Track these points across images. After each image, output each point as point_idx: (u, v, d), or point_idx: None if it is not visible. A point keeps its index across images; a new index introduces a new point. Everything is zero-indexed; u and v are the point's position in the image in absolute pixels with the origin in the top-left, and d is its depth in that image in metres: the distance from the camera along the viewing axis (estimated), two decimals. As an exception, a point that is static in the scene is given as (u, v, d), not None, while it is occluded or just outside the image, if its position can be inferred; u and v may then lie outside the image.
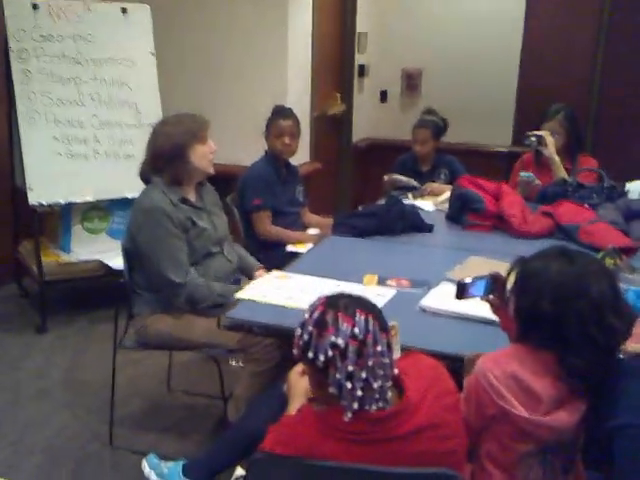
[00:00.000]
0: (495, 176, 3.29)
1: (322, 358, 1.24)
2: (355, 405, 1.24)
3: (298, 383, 1.59)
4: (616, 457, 1.37)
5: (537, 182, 3.34)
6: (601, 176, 3.22)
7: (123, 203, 3.77)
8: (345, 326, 1.23)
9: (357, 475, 1.28)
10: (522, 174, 3.40)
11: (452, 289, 2.21)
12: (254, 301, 2.11)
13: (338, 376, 1.24)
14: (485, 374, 1.44)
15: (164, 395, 3.01)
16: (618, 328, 1.39)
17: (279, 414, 1.84)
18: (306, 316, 1.30)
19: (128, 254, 2.51)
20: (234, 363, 2.84)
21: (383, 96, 5.65)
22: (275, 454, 1.28)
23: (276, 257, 2.92)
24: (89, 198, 3.67)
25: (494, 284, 1.68)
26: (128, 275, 2.50)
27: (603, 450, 1.46)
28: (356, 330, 1.22)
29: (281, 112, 3.29)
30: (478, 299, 1.71)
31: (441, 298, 2.15)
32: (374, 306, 1.35)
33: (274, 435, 1.32)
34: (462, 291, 1.68)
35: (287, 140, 3.21)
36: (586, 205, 3.04)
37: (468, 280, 1.68)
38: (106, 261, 3.65)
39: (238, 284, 2.61)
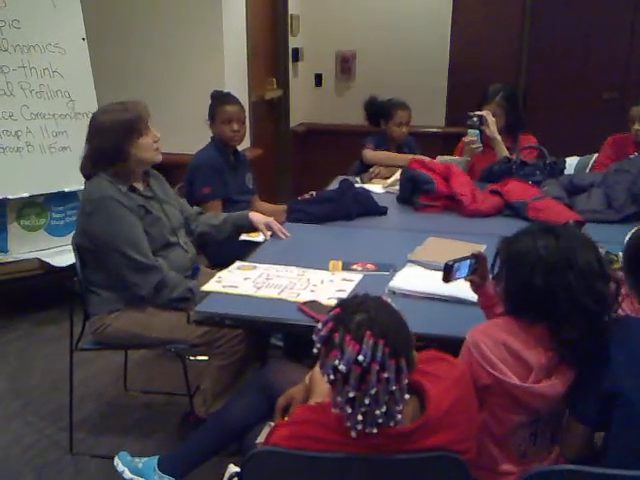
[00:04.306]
0: (431, 157, 3.31)
1: (326, 378, 1.22)
2: (359, 427, 1.21)
3: (321, 380, 1.49)
4: (613, 424, 1.41)
5: (480, 145, 3.39)
6: (542, 153, 3.32)
7: (61, 198, 3.60)
8: (350, 351, 1.17)
9: (361, 465, 1.27)
10: (470, 131, 3.41)
11: (418, 270, 2.28)
12: (224, 293, 2.06)
13: (339, 399, 1.21)
14: (477, 344, 1.46)
15: (121, 395, 2.90)
16: (606, 294, 1.44)
17: (260, 407, 1.83)
18: (319, 326, 1.24)
19: (80, 250, 2.38)
20: (191, 358, 2.77)
21: (318, 80, 5.62)
22: (281, 448, 1.25)
23: (230, 247, 2.85)
24: (24, 194, 3.47)
25: (476, 264, 1.71)
26: (81, 273, 2.38)
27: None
28: (360, 357, 1.16)
29: (225, 98, 3.21)
30: (462, 280, 1.73)
31: (408, 279, 2.16)
32: (393, 324, 1.24)
33: (283, 430, 1.29)
34: (449, 274, 1.69)
35: (236, 126, 3.13)
36: (530, 182, 3.13)
37: (452, 263, 1.69)
38: (46, 259, 3.47)
39: (197, 274, 2.55)
